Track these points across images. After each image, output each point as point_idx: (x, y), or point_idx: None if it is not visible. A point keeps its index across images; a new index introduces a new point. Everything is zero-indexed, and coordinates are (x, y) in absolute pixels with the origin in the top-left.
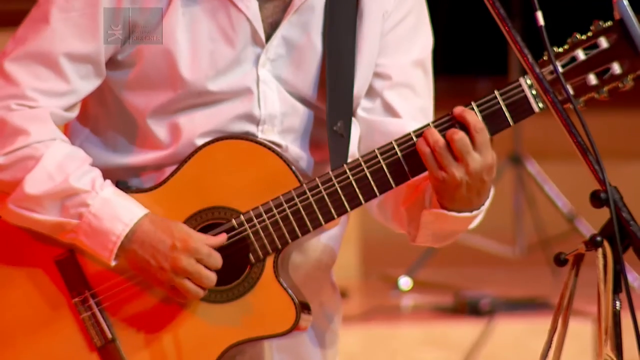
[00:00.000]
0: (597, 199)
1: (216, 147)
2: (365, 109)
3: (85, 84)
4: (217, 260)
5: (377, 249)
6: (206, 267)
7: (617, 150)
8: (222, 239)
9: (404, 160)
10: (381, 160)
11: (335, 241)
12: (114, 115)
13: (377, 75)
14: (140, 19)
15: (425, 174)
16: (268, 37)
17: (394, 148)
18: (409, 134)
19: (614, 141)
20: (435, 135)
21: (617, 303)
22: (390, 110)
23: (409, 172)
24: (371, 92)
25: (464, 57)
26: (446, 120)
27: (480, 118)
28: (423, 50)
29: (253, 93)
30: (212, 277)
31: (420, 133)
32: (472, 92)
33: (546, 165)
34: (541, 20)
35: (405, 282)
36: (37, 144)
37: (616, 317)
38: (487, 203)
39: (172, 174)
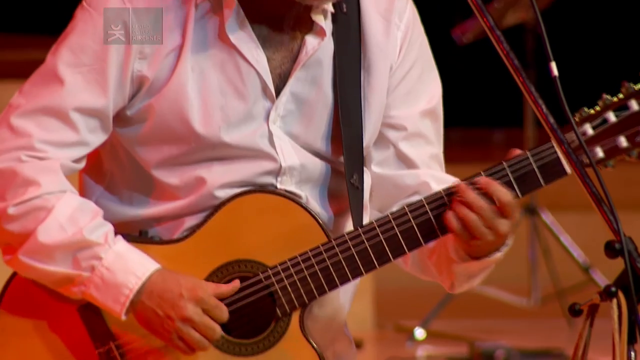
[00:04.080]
0: (611, 250)
1: (244, 200)
2: (378, 163)
3: (93, 137)
4: (224, 312)
5: (391, 299)
6: (212, 318)
7: (631, 201)
8: (234, 285)
9: (435, 220)
10: (411, 219)
11: (351, 293)
12: (127, 169)
13: (390, 126)
14: (149, 74)
15: None
16: (277, 90)
17: (425, 206)
18: (440, 192)
19: (628, 191)
20: (464, 210)
21: (632, 354)
22: (404, 160)
23: (439, 230)
24: (384, 143)
25: (479, 108)
26: (472, 182)
27: (511, 178)
28: (432, 99)
29: (271, 149)
30: (217, 329)
31: (450, 192)
32: (488, 143)
33: (561, 216)
34: (555, 71)
35: (419, 333)
36: (48, 195)
37: None
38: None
39: (199, 226)
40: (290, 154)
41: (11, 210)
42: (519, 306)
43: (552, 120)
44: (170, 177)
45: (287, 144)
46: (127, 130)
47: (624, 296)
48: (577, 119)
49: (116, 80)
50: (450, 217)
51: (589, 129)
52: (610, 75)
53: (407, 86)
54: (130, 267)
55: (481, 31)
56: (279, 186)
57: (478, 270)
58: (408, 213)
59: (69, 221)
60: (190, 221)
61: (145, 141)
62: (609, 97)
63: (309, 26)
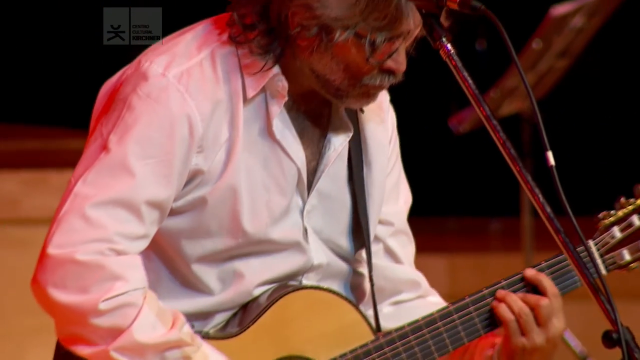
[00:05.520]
0: (609, 339)
1: (294, 296)
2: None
3: (152, 229)
4: None
5: None
6: None
7: (628, 290)
8: None
9: (478, 319)
10: (456, 318)
11: None
12: (153, 260)
13: (379, 222)
14: (204, 167)
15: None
16: (308, 185)
17: (469, 305)
18: (481, 295)
19: (626, 281)
20: (519, 302)
21: None
22: (392, 256)
23: (484, 329)
24: (375, 238)
25: (475, 197)
26: (517, 280)
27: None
28: (408, 197)
29: (307, 245)
30: None
31: (493, 291)
32: (484, 232)
33: None
34: (552, 160)
35: None
36: (134, 292)
37: None
38: None
39: (252, 321)
40: (318, 251)
41: (102, 306)
42: None
43: (548, 209)
44: (208, 273)
45: (316, 240)
46: (165, 222)
47: None
48: (607, 222)
49: (179, 173)
50: (504, 310)
51: (617, 232)
52: (609, 165)
53: (392, 181)
54: None
55: (478, 121)
56: (303, 282)
57: None
58: (453, 312)
59: (158, 319)
60: (220, 317)
61: (186, 233)
62: (630, 200)
63: (329, 121)
